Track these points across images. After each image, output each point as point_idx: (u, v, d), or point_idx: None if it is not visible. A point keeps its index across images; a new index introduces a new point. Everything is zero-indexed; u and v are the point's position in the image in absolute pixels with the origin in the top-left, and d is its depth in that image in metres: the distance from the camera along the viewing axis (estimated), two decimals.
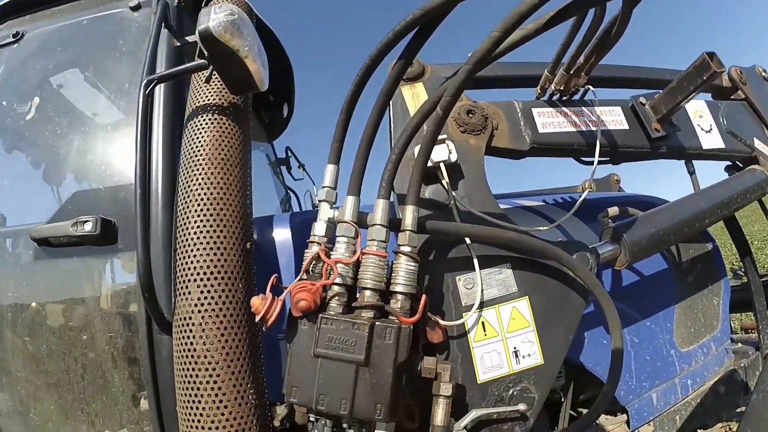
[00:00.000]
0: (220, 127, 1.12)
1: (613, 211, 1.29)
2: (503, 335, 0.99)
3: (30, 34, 1.68)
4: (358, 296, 0.89)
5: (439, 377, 0.87)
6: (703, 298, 1.62)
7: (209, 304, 0.94)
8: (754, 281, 1.70)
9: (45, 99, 1.60)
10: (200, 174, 1.04)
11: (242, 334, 0.96)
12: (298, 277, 0.88)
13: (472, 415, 0.92)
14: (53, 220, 1.33)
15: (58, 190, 1.49)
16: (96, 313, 1.24)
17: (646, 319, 1.44)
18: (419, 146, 0.94)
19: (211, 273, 0.96)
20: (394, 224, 0.93)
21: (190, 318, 0.95)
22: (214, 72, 1.08)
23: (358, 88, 1.01)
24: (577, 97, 1.34)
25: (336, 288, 0.88)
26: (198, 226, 0.99)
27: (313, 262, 0.90)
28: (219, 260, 0.97)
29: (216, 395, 0.92)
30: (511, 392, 0.97)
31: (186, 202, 1.03)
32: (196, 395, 0.92)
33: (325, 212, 0.97)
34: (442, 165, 1.05)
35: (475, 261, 1.00)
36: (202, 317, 0.94)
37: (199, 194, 1.02)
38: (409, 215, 0.91)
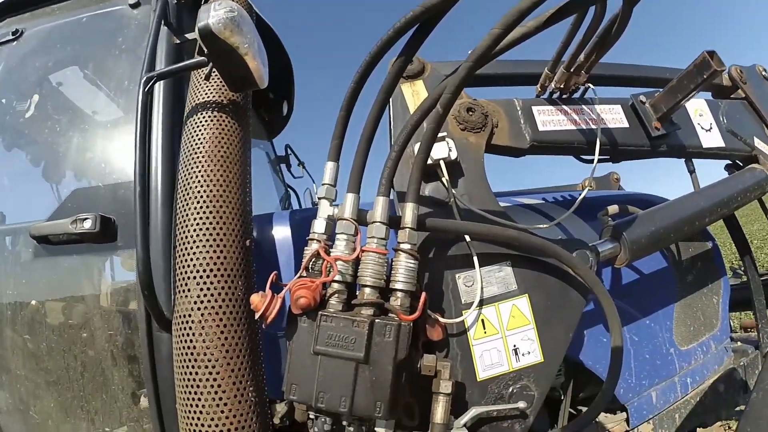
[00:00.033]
0: (220, 125, 1.12)
1: (613, 209, 1.28)
2: (503, 333, 0.99)
3: (29, 32, 1.68)
4: (357, 293, 0.89)
5: (439, 375, 0.87)
6: (702, 296, 1.62)
7: (209, 301, 0.94)
8: (754, 280, 1.70)
9: (44, 97, 1.60)
10: (200, 171, 1.04)
11: (242, 331, 0.96)
12: (298, 275, 0.88)
13: (472, 412, 0.92)
14: (53, 217, 1.32)
15: (58, 188, 1.49)
16: (96, 311, 1.24)
17: (645, 318, 1.44)
18: (419, 144, 0.94)
19: (211, 270, 0.96)
20: (393, 221, 0.92)
21: (190, 315, 0.95)
22: (214, 69, 1.08)
23: (358, 86, 1.01)
24: (577, 95, 1.34)
25: (336, 285, 0.87)
26: (197, 224, 0.99)
27: (313, 260, 0.90)
28: (218, 257, 0.97)
29: (216, 393, 0.92)
30: (510, 390, 0.97)
31: (185, 200, 1.02)
32: (195, 393, 0.92)
33: (325, 209, 0.97)
34: (442, 162, 1.05)
35: (475, 258, 1.00)
36: (202, 315, 0.94)
37: (198, 191, 1.02)
38: (408, 213, 0.91)
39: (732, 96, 1.65)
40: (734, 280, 2.15)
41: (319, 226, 0.95)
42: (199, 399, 0.92)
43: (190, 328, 0.94)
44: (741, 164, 1.58)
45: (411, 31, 0.93)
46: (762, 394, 1.13)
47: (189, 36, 1.38)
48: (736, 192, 1.40)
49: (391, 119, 1.20)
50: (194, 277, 0.96)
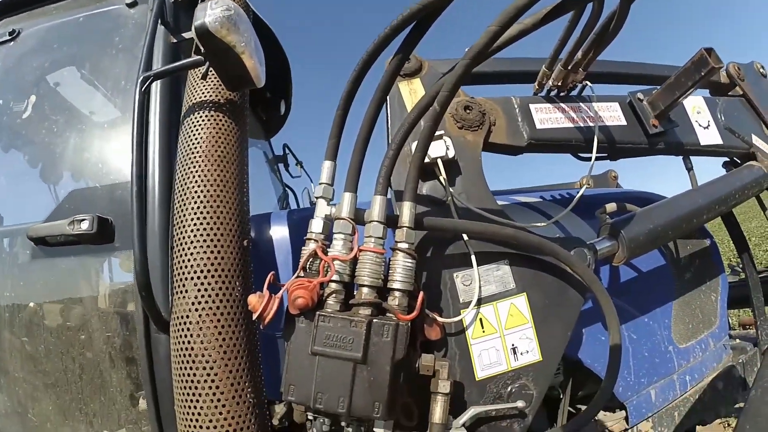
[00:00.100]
0: (217, 124, 1.11)
1: (611, 207, 1.28)
2: (501, 332, 0.99)
3: (26, 32, 1.67)
4: (355, 293, 0.89)
5: (437, 374, 0.86)
6: (701, 294, 1.62)
7: (206, 302, 0.94)
8: (752, 277, 1.71)
9: (42, 97, 1.59)
10: (197, 171, 1.03)
11: (240, 332, 0.96)
12: (296, 275, 0.87)
13: (471, 412, 0.92)
14: (50, 219, 1.32)
15: (55, 189, 1.48)
16: (93, 313, 1.24)
17: (644, 316, 1.44)
18: (416, 142, 0.94)
19: (208, 271, 0.95)
20: (391, 221, 0.92)
21: (188, 316, 0.94)
22: (211, 68, 1.07)
23: (355, 84, 1.01)
24: (574, 92, 1.34)
25: (333, 285, 0.87)
26: (195, 224, 0.99)
27: (311, 260, 0.90)
28: (216, 258, 0.97)
29: (214, 394, 0.91)
30: (509, 389, 0.97)
31: (183, 200, 1.02)
32: (193, 394, 0.92)
33: (322, 209, 0.96)
34: (439, 161, 1.05)
35: (473, 257, 1.00)
36: (200, 316, 0.94)
37: (195, 192, 1.01)
38: (406, 212, 0.91)
39: (730, 93, 1.65)
40: (732, 277, 2.16)
41: (316, 225, 0.94)
42: (198, 400, 0.91)
43: (188, 329, 0.94)
44: (739, 161, 1.58)
45: (408, 29, 0.93)
46: (761, 391, 1.13)
47: (186, 35, 1.38)
48: (734, 189, 1.40)
49: (389, 117, 1.20)
50: (192, 278, 0.95)
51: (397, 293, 0.87)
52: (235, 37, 0.96)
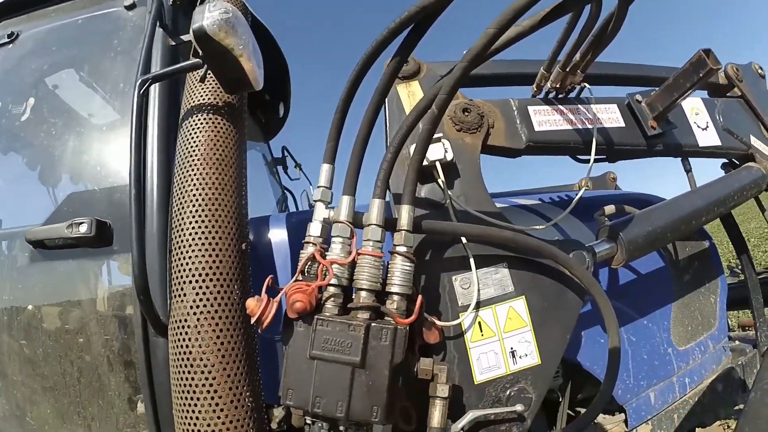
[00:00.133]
0: (215, 127, 1.11)
1: (610, 209, 1.28)
2: (500, 335, 0.98)
3: (25, 34, 1.67)
4: (354, 297, 0.88)
5: (436, 378, 0.86)
6: (700, 296, 1.62)
7: (204, 306, 0.94)
8: (751, 279, 1.70)
9: (40, 99, 1.59)
10: (195, 174, 1.03)
11: (238, 336, 0.95)
12: (294, 278, 0.87)
13: (470, 416, 0.92)
14: (48, 222, 1.32)
15: (54, 192, 1.48)
16: (92, 316, 1.24)
17: (643, 318, 1.44)
18: (415, 145, 0.94)
19: (207, 275, 0.95)
20: (389, 224, 0.92)
21: (186, 320, 0.94)
22: (209, 71, 1.07)
23: (353, 87, 1.01)
24: (573, 94, 1.34)
25: (331, 289, 0.87)
26: (193, 228, 0.98)
27: (309, 263, 0.90)
28: (214, 262, 0.97)
29: (212, 398, 0.91)
30: (508, 393, 0.96)
31: (181, 203, 1.02)
32: (192, 398, 0.92)
33: (321, 212, 0.96)
34: (437, 164, 1.05)
35: (472, 260, 1.00)
36: (198, 319, 0.93)
37: (194, 195, 1.01)
38: (404, 215, 0.91)
39: (728, 94, 1.65)
40: (732, 278, 2.16)
41: (314, 229, 0.94)
42: (196, 404, 0.91)
43: (186, 333, 0.93)
44: (737, 163, 1.58)
45: (406, 31, 0.93)
46: (760, 393, 1.13)
47: (184, 38, 1.38)
48: (732, 191, 1.40)
49: (387, 120, 1.20)
50: (190, 282, 0.95)
51: (395, 297, 0.86)
52: (233, 39, 0.96)
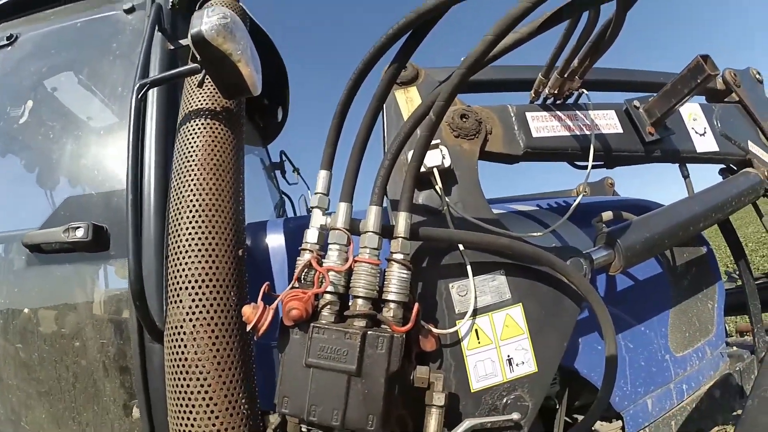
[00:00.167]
0: (213, 132, 1.11)
1: (607, 215, 1.28)
2: (497, 343, 0.98)
3: (24, 37, 1.67)
4: (350, 304, 0.88)
5: (432, 386, 0.86)
6: (697, 302, 1.62)
7: (200, 312, 0.93)
8: (749, 284, 1.71)
9: (39, 102, 1.59)
10: (192, 180, 1.03)
11: (234, 342, 0.95)
12: (290, 285, 0.87)
13: (466, 424, 0.91)
14: (45, 225, 1.32)
15: (52, 195, 1.48)
16: (88, 321, 1.23)
17: (640, 324, 1.44)
18: (412, 151, 0.94)
19: (203, 281, 0.95)
20: (386, 231, 0.92)
21: (182, 326, 0.94)
22: (207, 76, 1.07)
23: (351, 93, 1.00)
24: (571, 100, 1.34)
25: (328, 296, 0.87)
26: (190, 233, 0.98)
27: (305, 270, 0.89)
28: (211, 268, 0.96)
29: (207, 405, 0.91)
30: (504, 401, 0.96)
31: (178, 209, 1.02)
32: (187, 405, 0.91)
33: (318, 219, 0.96)
34: (435, 170, 1.04)
35: (469, 268, 0.99)
36: (194, 326, 0.93)
37: (191, 200, 1.01)
38: (401, 222, 0.91)
39: (726, 100, 1.65)
40: (729, 284, 2.16)
41: (311, 235, 0.94)
42: (191, 411, 0.91)
43: (182, 339, 0.93)
44: (735, 168, 1.58)
45: (404, 37, 0.93)
46: (758, 401, 1.13)
47: (183, 42, 1.38)
48: (730, 197, 1.40)
49: (385, 126, 1.20)
50: (186, 288, 0.95)
51: (392, 305, 0.86)
52: (231, 45, 0.96)
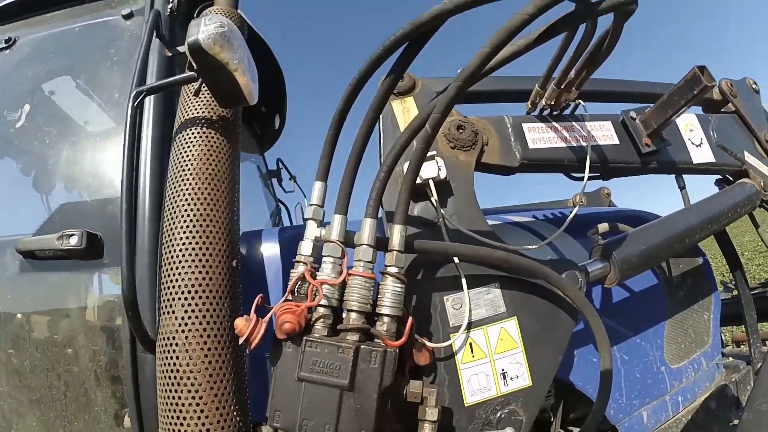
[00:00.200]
0: (209, 141, 1.10)
1: (603, 227, 1.28)
2: (491, 357, 0.98)
3: (22, 40, 1.67)
4: (343, 318, 0.88)
5: (425, 401, 0.85)
6: (693, 313, 1.61)
7: (193, 323, 0.93)
8: (745, 295, 1.70)
9: (36, 106, 1.59)
10: (187, 189, 1.03)
11: (226, 354, 0.94)
12: (283, 298, 0.87)
13: None
14: (40, 231, 1.31)
15: (47, 200, 1.47)
16: (80, 329, 1.22)
17: (636, 336, 1.44)
18: (408, 163, 0.93)
19: (196, 292, 0.94)
20: (381, 243, 0.91)
21: (174, 337, 0.93)
22: (203, 85, 1.07)
23: (348, 104, 1.00)
24: (567, 111, 1.34)
25: (321, 310, 0.86)
26: (184, 243, 0.98)
27: (299, 283, 0.89)
28: (204, 278, 0.96)
29: (199, 416, 0.90)
30: (498, 415, 0.95)
31: (172, 218, 1.01)
32: (179, 416, 0.90)
33: (312, 231, 0.96)
34: (431, 182, 1.04)
35: (464, 280, 0.99)
36: (186, 337, 0.92)
37: (185, 210, 1.00)
38: (396, 235, 0.90)
39: (722, 110, 1.66)
40: (725, 294, 2.16)
41: (305, 248, 0.94)
42: (182, 422, 0.90)
43: (174, 350, 0.92)
44: (731, 179, 1.58)
45: (401, 48, 0.93)
46: (753, 414, 1.12)
47: (181, 49, 1.38)
48: (726, 208, 1.40)
49: (382, 137, 1.20)
50: (179, 298, 0.94)
51: (385, 319, 0.86)
52: (228, 54, 0.96)
